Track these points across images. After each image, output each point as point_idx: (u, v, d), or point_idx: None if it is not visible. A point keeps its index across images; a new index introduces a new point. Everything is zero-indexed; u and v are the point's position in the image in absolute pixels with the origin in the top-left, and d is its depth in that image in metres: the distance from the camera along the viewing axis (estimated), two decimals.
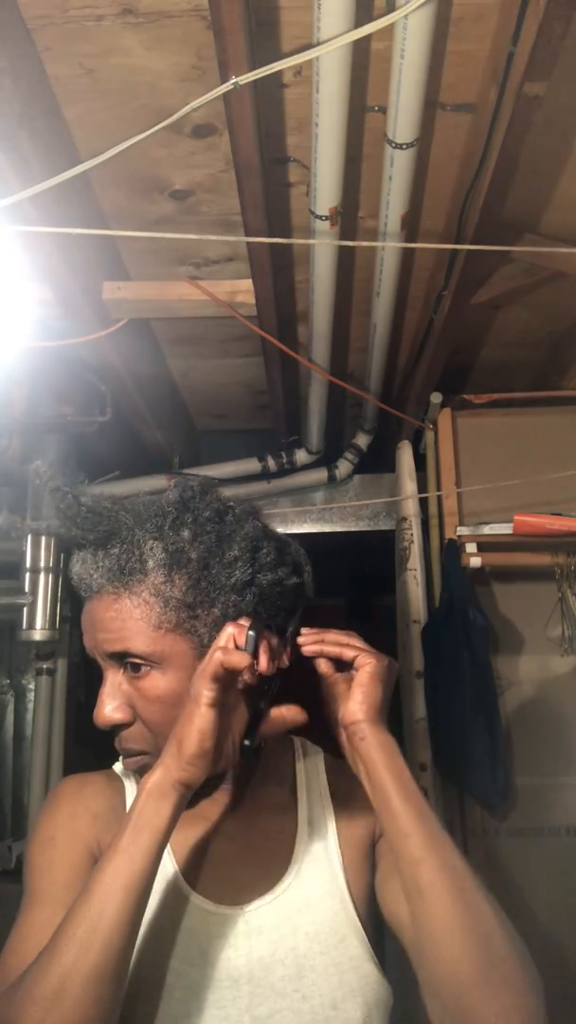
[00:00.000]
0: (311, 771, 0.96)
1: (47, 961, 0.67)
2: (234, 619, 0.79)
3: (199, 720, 0.71)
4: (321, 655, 0.83)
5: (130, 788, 0.92)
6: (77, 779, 0.95)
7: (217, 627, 0.80)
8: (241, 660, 0.72)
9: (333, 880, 0.86)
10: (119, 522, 0.82)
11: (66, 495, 0.82)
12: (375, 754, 0.77)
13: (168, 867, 0.86)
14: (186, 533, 0.82)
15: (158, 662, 0.80)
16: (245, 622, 0.77)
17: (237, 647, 0.75)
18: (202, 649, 0.80)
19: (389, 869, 0.86)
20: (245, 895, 0.85)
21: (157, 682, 0.80)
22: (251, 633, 0.75)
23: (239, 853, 0.87)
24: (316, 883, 0.86)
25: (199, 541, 0.82)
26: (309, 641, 0.83)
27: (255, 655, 0.74)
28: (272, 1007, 0.79)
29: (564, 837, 1.86)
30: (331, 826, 0.90)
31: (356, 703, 0.79)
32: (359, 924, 0.84)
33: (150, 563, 0.80)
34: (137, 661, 0.80)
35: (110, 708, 0.80)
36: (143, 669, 0.80)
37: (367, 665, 0.80)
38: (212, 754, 0.73)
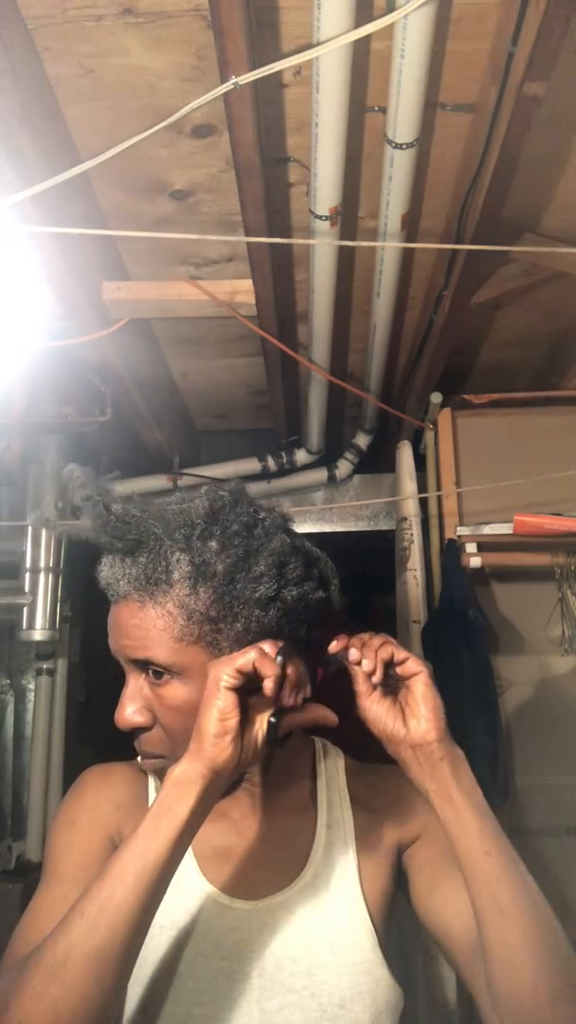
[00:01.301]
0: (331, 773, 0.96)
1: (56, 935, 0.69)
2: (256, 633, 0.80)
3: (219, 702, 0.72)
4: (361, 665, 0.80)
5: (154, 781, 0.94)
6: (103, 768, 0.96)
7: (239, 641, 0.80)
8: (271, 670, 0.72)
9: (349, 883, 0.87)
10: (148, 531, 0.81)
11: (97, 503, 0.81)
12: (452, 774, 0.77)
13: (186, 859, 0.87)
14: (213, 545, 0.81)
15: (179, 672, 0.80)
16: (272, 648, 0.75)
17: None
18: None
19: (435, 880, 0.86)
20: (260, 891, 0.86)
21: (177, 691, 0.80)
22: (279, 659, 0.74)
23: (257, 850, 0.89)
24: (331, 884, 0.87)
25: (226, 554, 0.81)
26: (351, 648, 0.81)
27: (280, 685, 0.73)
28: (281, 1002, 0.81)
29: (564, 837, 1.86)
30: (349, 829, 0.91)
31: (425, 721, 0.78)
32: (372, 928, 0.85)
33: (175, 575, 0.80)
34: (159, 671, 0.80)
35: (131, 711, 0.82)
36: (164, 677, 0.81)
37: (420, 674, 0.79)
38: (236, 738, 0.72)
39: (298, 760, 0.95)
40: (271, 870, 0.88)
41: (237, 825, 0.90)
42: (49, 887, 0.85)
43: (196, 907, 0.85)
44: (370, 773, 0.97)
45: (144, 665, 0.81)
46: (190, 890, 0.86)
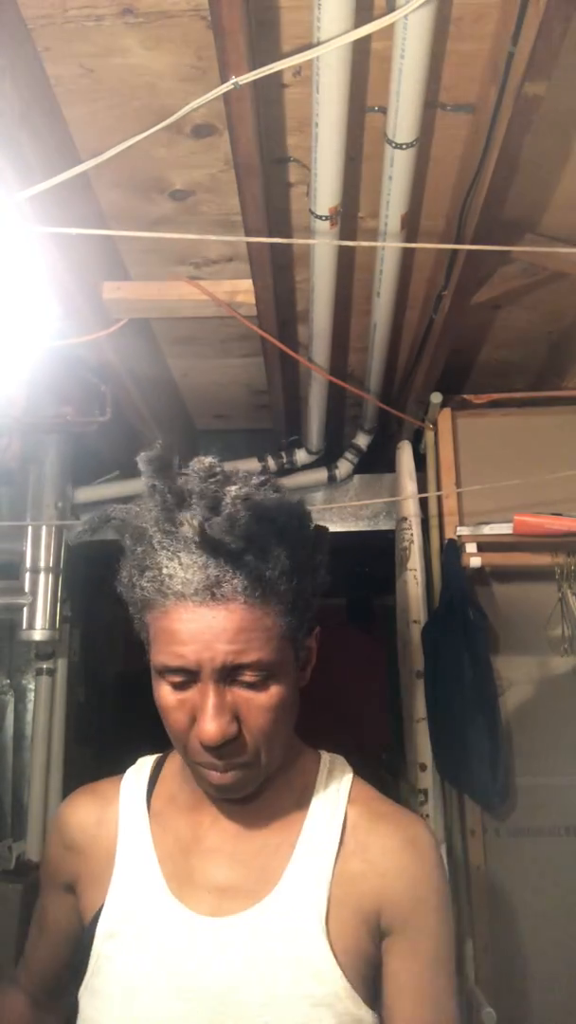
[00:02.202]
0: (331, 796, 0.89)
1: None
2: (312, 619, 0.83)
3: None
4: None
5: (126, 803, 0.93)
6: (69, 803, 0.97)
7: (307, 628, 0.83)
8: None
9: (316, 913, 0.81)
10: (253, 529, 0.75)
11: (236, 500, 0.75)
12: None
13: (151, 867, 0.87)
14: (300, 538, 0.81)
15: (277, 672, 0.78)
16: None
17: None
18: (297, 653, 0.83)
19: (397, 989, 0.82)
20: (226, 907, 0.83)
21: (275, 691, 0.78)
22: None
23: (228, 864, 0.86)
24: (298, 911, 0.82)
25: (303, 545, 0.81)
26: None
27: None
28: None
29: (564, 837, 1.86)
30: (329, 858, 0.84)
31: None
32: (336, 963, 0.79)
33: (278, 571, 0.77)
34: (260, 674, 0.77)
35: (223, 723, 0.76)
36: (265, 680, 0.78)
37: None
38: None
39: (296, 774, 0.90)
40: (239, 887, 0.84)
41: (212, 837, 0.88)
42: (35, 912, 0.99)
43: (161, 919, 0.83)
44: (378, 814, 0.88)
45: (238, 670, 0.76)
46: (153, 901, 0.85)
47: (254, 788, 0.84)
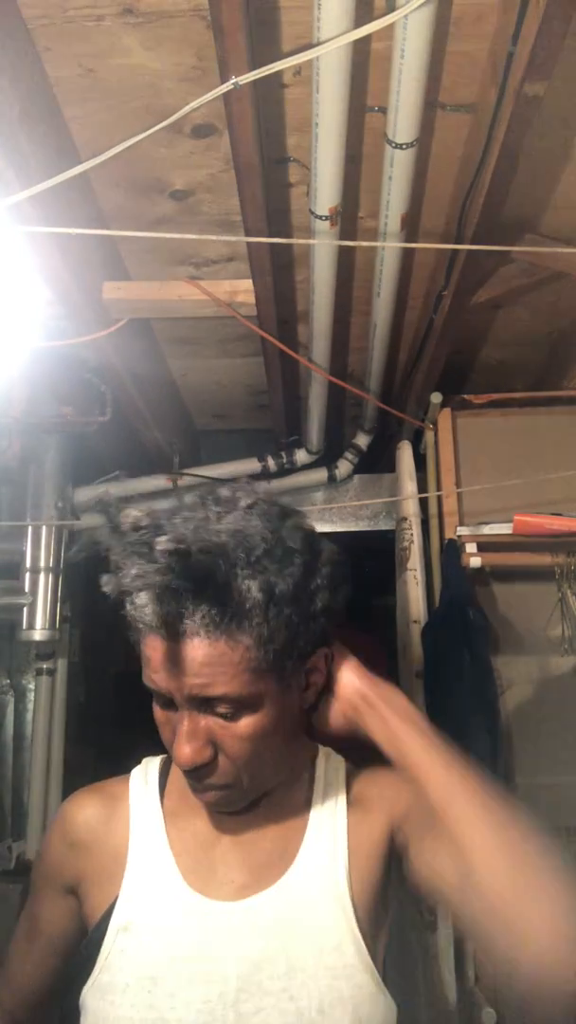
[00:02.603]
0: (331, 778, 0.93)
1: None
2: (309, 645, 0.82)
3: None
4: None
5: (137, 801, 0.93)
6: (75, 799, 0.97)
7: (298, 657, 0.81)
8: None
9: (335, 885, 0.84)
10: (214, 563, 0.74)
11: (166, 552, 0.73)
12: (383, 703, 0.82)
13: (167, 862, 0.87)
14: (278, 566, 0.77)
15: (252, 704, 0.78)
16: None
17: None
18: (283, 681, 0.80)
19: (423, 833, 0.84)
20: (243, 891, 0.85)
21: (249, 723, 0.79)
22: None
23: (241, 849, 0.88)
24: (317, 885, 0.84)
25: (289, 573, 0.78)
26: None
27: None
28: (257, 1004, 0.79)
29: (564, 837, 1.86)
30: (341, 831, 0.88)
31: (342, 681, 0.85)
32: (358, 932, 0.82)
33: (248, 604, 0.75)
34: (230, 707, 0.77)
35: (195, 749, 0.78)
36: (236, 712, 0.78)
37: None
38: None
39: (298, 761, 0.93)
40: (255, 871, 0.86)
41: (223, 823, 0.89)
42: (20, 922, 0.98)
43: (176, 909, 0.84)
44: (370, 771, 0.95)
45: (210, 701, 0.77)
46: (170, 892, 0.85)
47: (243, 804, 0.86)
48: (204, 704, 0.78)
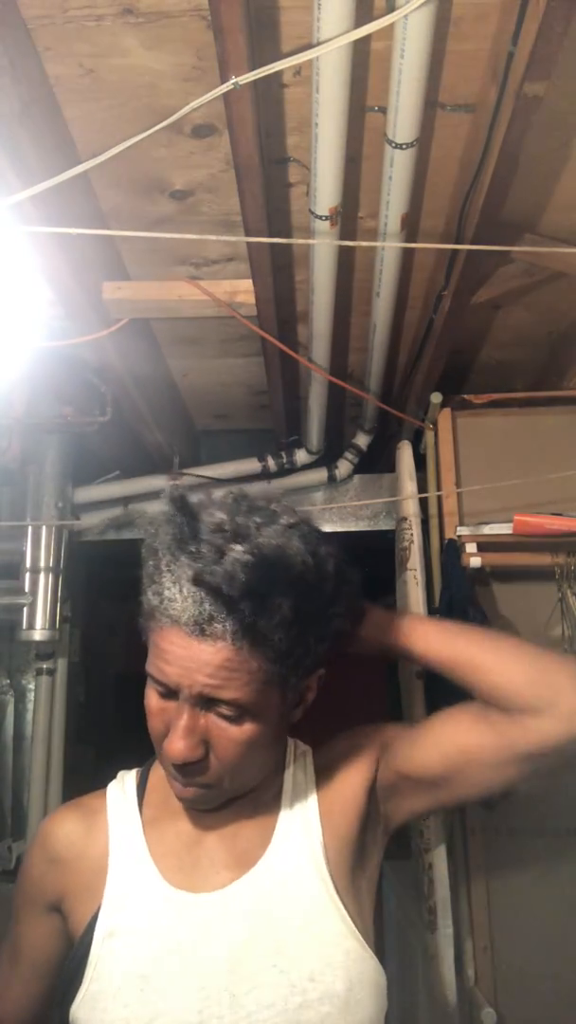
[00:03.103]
0: (300, 764, 0.97)
1: None
2: (315, 663, 0.85)
3: None
4: None
5: (115, 813, 0.94)
6: (55, 817, 0.98)
7: (303, 675, 0.85)
8: None
9: (312, 858, 0.87)
10: (263, 579, 0.77)
11: (237, 561, 0.76)
12: (406, 618, 0.98)
13: (148, 867, 0.89)
14: (309, 591, 0.81)
15: (257, 713, 0.81)
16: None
17: None
18: (285, 695, 0.84)
19: (413, 748, 0.95)
20: (223, 878, 0.87)
21: (248, 729, 0.81)
22: None
23: (224, 843, 0.90)
24: (294, 860, 0.88)
25: (318, 599, 0.82)
26: None
27: None
28: (250, 983, 0.81)
29: (564, 837, 1.86)
30: (313, 805, 0.92)
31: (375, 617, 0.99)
32: (339, 901, 0.85)
33: (275, 620, 0.78)
34: (236, 711, 0.80)
35: (189, 745, 0.80)
36: (240, 717, 0.80)
37: None
38: None
39: (275, 765, 0.96)
40: (232, 856, 0.89)
41: (204, 823, 0.91)
42: (4, 948, 0.99)
43: (160, 909, 0.86)
44: (329, 743, 1.01)
45: (214, 702, 0.80)
46: (152, 894, 0.87)
47: (218, 803, 0.89)
48: (208, 703, 0.80)
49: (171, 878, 0.88)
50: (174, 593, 0.78)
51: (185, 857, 0.90)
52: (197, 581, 0.76)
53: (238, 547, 0.77)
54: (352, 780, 0.94)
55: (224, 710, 0.80)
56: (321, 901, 0.85)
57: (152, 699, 0.83)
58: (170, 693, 0.81)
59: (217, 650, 0.77)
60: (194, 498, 0.83)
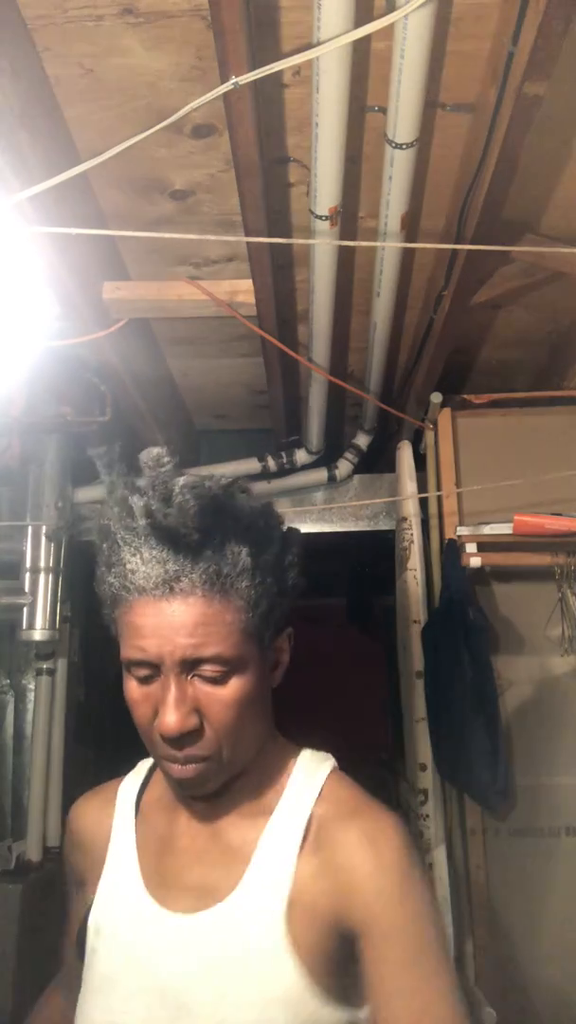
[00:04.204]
0: (301, 791, 0.87)
1: None
2: (283, 621, 0.86)
3: None
4: None
5: (121, 803, 0.95)
6: (77, 805, 1.00)
7: (276, 629, 0.85)
8: None
9: (274, 913, 0.79)
10: (213, 523, 0.78)
11: (184, 488, 0.76)
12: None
13: (132, 865, 0.89)
14: (262, 538, 0.83)
15: (240, 667, 0.80)
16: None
17: None
18: (263, 650, 0.84)
19: (376, 981, 0.76)
20: (191, 904, 0.83)
21: (236, 686, 0.80)
22: None
23: (196, 859, 0.86)
24: (256, 911, 0.80)
25: (272, 545, 0.84)
26: None
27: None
28: (192, 1019, 0.77)
29: (564, 837, 1.86)
30: (291, 857, 0.82)
31: None
32: (295, 962, 0.77)
33: (239, 566, 0.80)
34: (221, 668, 0.79)
35: (182, 715, 0.78)
36: (226, 675, 0.79)
37: None
38: None
39: (269, 775, 0.89)
40: (204, 882, 0.84)
41: (184, 836, 0.88)
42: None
43: (134, 916, 0.85)
44: (345, 810, 0.84)
45: (198, 664, 0.79)
46: (132, 897, 0.86)
47: (217, 784, 0.84)
48: (193, 668, 0.79)
49: (148, 882, 0.87)
50: (135, 563, 0.78)
51: (159, 862, 0.88)
52: (153, 525, 0.77)
53: (182, 479, 0.77)
54: (327, 905, 0.79)
55: (209, 670, 0.78)
56: (276, 959, 0.77)
57: (133, 689, 0.82)
58: (151, 674, 0.79)
59: (190, 606, 0.77)
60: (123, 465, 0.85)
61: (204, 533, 0.77)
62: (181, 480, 0.77)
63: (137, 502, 0.79)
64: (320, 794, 0.86)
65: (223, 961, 0.79)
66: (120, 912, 0.86)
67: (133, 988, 0.81)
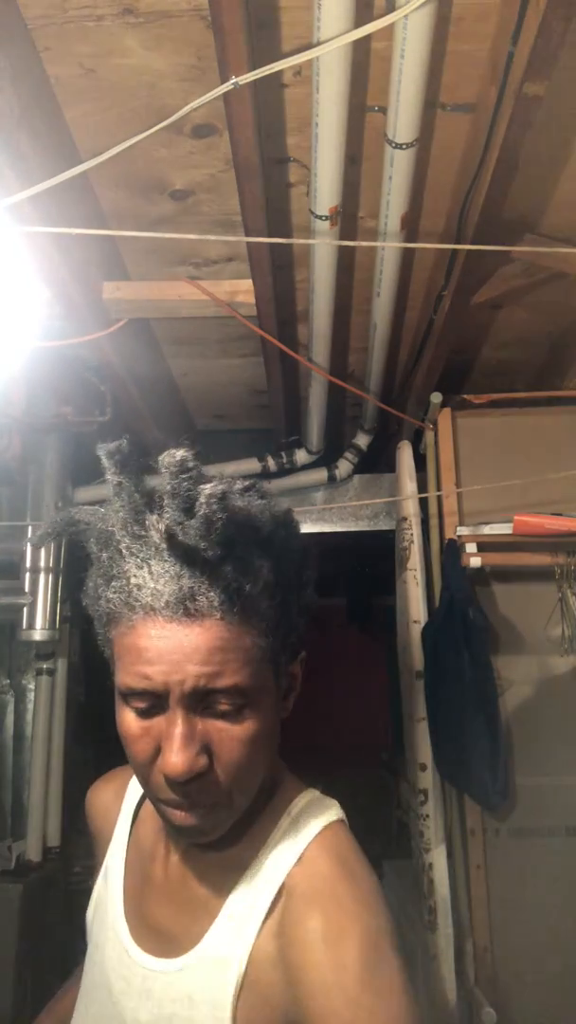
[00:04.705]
0: (282, 850, 0.75)
1: None
2: (299, 642, 0.76)
3: None
4: None
5: (128, 800, 0.92)
6: (94, 788, 0.97)
7: (291, 653, 0.75)
8: None
9: (225, 991, 0.70)
10: (233, 535, 0.66)
11: (211, 499, 0.64)
12: None
13: (118, 882, 0.85)
14: (282, 550, 0.72)
15: (256, 698, 0.69)
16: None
17: None
18: (277, 679, 0.74)
19: None
20: (156, 944, 0.77)
21: (252, 720, 0.69)
22: None
23: (167, 897, 0.79)
24: (207, 983, 0.71)
25: (291, 560, 0.73)
26: None
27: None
28: None
29: (564, 837, 1.86)
30: (252, 930, 0.72)
31: None
32: None
33: (260, 585, 0.68)
34: (236, 701, 0.68)
35: (191, 755, 0.66)
36: (241, 708, 0.68)
37: None
38: None
39: (259, 819, 0.79)
40: (171, 936, 0.76)
41: (160, 872, 0.81)
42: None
43: (109, 937, 0.81)
44: (315, 890, 0.71)
45: (210, 696, 0.67)
46: (111, 915, 0.83)
47: (223, 832, 0.73)
48: (204, 701, 0.67)
49: (128, 903, 0.82)
50: (142, 578, 0.66)
51: (136, 887, 0.83)
52: (172, 543, 0.65)
53: (208, 487, 0.64)
54: (279, 988, 0.69)
55: (223, 704, 0.67)
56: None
57: (130, 722, 0.69)
58: (154, 706, 0.68)
59: (206, 629, 0.66)
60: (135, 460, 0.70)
61: (227, 548, 0.65)
62: (207, 488, 0.64)
63: (154, 515, 0.68)
64: (300, 858, 0.74)
65: (173, 1020, 0.72)
66: (100, 927, 0.83)
67: (94, 1011, 0.78)
